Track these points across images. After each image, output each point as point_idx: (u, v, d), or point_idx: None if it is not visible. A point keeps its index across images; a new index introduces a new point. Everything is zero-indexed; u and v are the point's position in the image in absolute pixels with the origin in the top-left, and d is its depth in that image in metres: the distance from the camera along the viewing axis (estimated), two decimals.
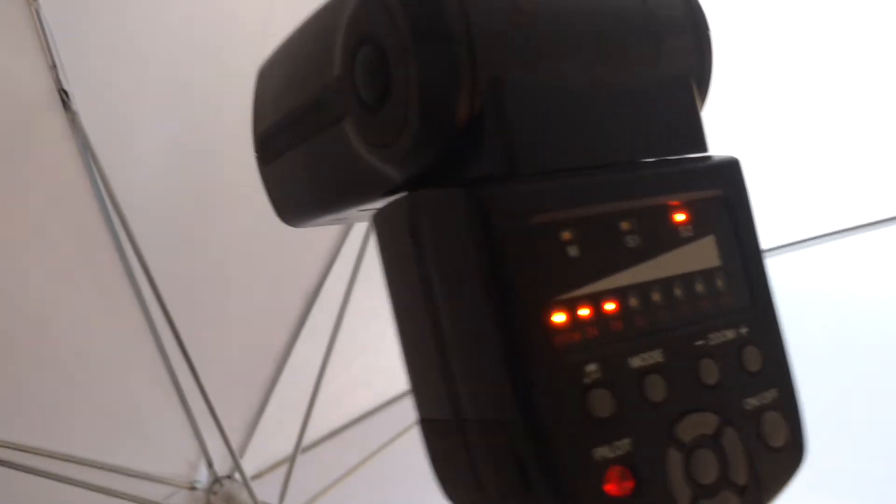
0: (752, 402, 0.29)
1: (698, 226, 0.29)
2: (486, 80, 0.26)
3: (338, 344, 1.52)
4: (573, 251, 0.27)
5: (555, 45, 0.28)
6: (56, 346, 1.31)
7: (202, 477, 1.54)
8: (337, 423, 1.62)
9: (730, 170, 0.31)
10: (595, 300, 0.27)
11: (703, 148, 0.31)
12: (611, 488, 0.26)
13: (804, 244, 1.72)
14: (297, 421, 1.55)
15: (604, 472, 0.26)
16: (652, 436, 0.27)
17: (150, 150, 1.26)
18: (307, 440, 1.54)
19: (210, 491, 1.53)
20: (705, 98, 0.31)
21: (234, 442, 1.52)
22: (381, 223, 0.29)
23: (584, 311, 0.27)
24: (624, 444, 0.26)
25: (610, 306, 0.27)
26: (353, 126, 0.29)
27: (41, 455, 1.34)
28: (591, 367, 0.26)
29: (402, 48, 0.26)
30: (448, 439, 0.28)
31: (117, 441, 1.45)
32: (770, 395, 0.29)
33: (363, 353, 1.57)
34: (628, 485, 0.26)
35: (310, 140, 0.32)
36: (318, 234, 1.50)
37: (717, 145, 0.31)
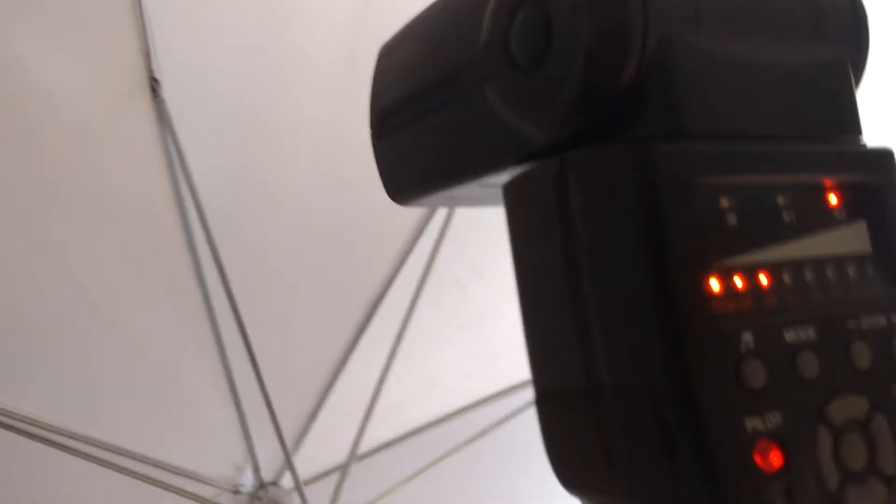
0: None
1: (851, 210, 0.29)
2: (656, 40, 0.26)
3: (395, 356, 1.50)
4: (731, 219, 0.26)
5: (721, 12, 0.28)
6: (118, 333, 1.31)
7: (247, 481, 1.52)
8: (388, 436, 1.59)
9: (885, 159, 0.30)
10: (750, 271, 0.26)
11: (859, 132, 0.30)
12: (761, 461, 0.25)
13: None
14: (347, 432, 1.53)
15: (754, 444, 0.25)
16: (803, 413, 0.26)
17: (231, 146, 1.26)
18: (359, 450, 1.51)
19: (255, 496, 1.51)
20: (860, 83, 0.31)
21: (285, 448, 1.50)
22: (518, 189, 0.29)
23: (739, 281, 0.26)
24: (775, 418, 0.25)
25: (764, 279, 0.27)
26: (499, 92, 0.29)
27: (91, 444, 1.33)
28: (747, 337, 0.25)
29: (570, 8, 0.26)
30: (576, 412, 0.27)
31: (167, 436, 1.44)
32: None
33: (419, 368, 1.55)
34: (777, 460, 0.25)
35: (441, 111, 0.32)
36: (383, 245, 1.49)
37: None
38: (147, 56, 1.10)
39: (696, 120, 0.26)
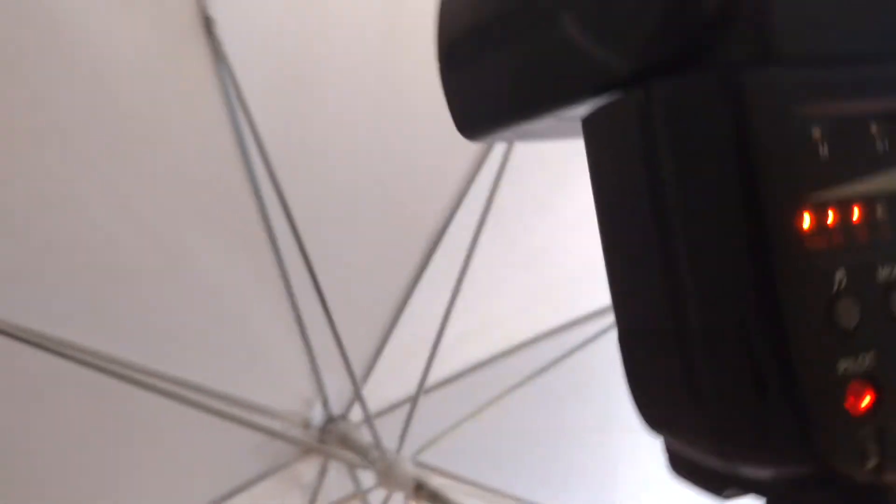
0: None
1: None
2: None
3: (459, 291, 1.50)
4: (824, 150, 0.25)
5: None
6: (189, 273, 1.34)
7: (317, 415, 1.56)
8: (452, 370, 1.61)
9: None
10: (843, 205, 0.26)
11: None
12: (852, 403, 0.25)
13: None
14: (412, 366, 1.55)
15: (846, 386, 0.24)
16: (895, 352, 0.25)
17: (292, 83, 1.25)
18: (425, 385, 1.53)
19: (324, 429, 1.55)
20: None
21: (350, 382, 1.53)
22: (599, 122, 0.28)
23: (832, 216, 0.25)
24: (869, 358, 0.25)
25: (857, 213, 0.26)
26: (577, 18, 0.28)
27: (166, 380, 1.37)
28: (840, 275, 0.25)
29: None
30: (663, 351, 0.26)
31: (238, 373, 1.48)
32: None
33: (483, 302, 1.56)
34: (870, 402, 0.25)
35: (515, 40, 0.31)
36: (443, 179, 1.48)
37: None
38: None
39: (786, 44, 0.25)
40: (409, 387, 1.55)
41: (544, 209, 1.48)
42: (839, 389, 0.24)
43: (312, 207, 1.38)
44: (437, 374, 1.59)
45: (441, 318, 1.51)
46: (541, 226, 1.51)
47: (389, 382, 1.58)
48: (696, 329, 0.25)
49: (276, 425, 1.50)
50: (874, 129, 0.26)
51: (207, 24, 1.12)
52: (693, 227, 0.25)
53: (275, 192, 1.25)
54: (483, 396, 1.60)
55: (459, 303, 1.51)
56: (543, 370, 1.61)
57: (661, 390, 0.27)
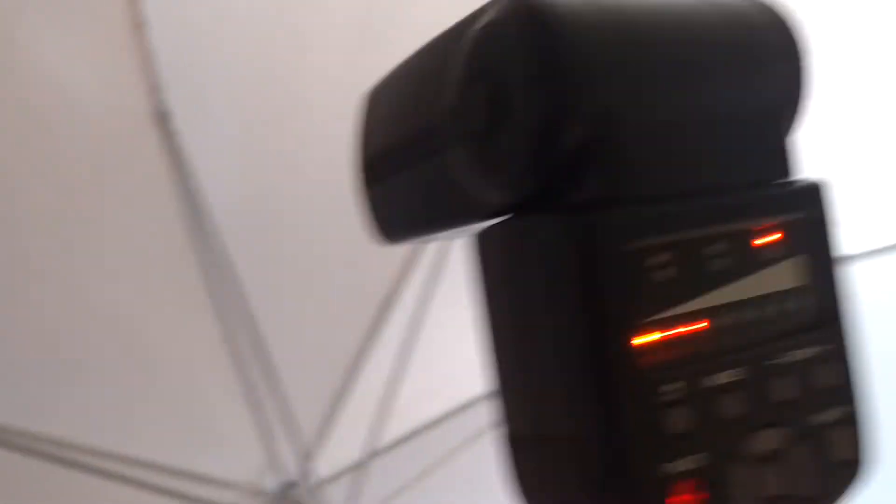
0: (823, 418, 0.30)
1: (785, 247, 0.31)
2: (594, 112, 0.28)
3: (410, 352, 1.51)
4: (662, 275, 0.28)
5: (658, 76, 0.29)
6: (135, 348, 1.32)
7: (270, 483, 1.54)
8: (406, 430, 1.61)
9: (814, 193, 0.31)
10: (681, 321, 0.28)
11: (792, 172, 0.32)
12: (682, 500, 0.27)
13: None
14: (365, 428, 1.55)
15: (675, 485, 0.27)
16: (724, 451, 0.28)
17: (242, 163, 1.24)
18: (377, 446, 1.53)
19: (280, 497, 1.53)
20: (800, 123, 0.32)
21: (303, 448, 1.52)
22: (483, 243, 0.30)
23: (668, 332, 0.28)
24: (697, 459, 0.27)
25: (695, 327, 0.29)
26: (461, 154, 0.30)
27: (111, 458, 1.35)
28: (671, 386, 0.27)
29: (518, 82, 0.28)
30: (531, 454, 0.29)
31: (188, 444, 1.46)
32: (840, 412, 0.31)
33: (434, 362, 1.57)
34: (701, 497, 0.27)
35: (418, 164, 0.33)
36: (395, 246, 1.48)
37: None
38: (155, 89, 1.06)
39: (631, 185, 0.28)
40: (362, 449, 1.55)
41: None
42: (673, 490, 0.27)
43: (261, 276, 1.38)
44: (393, 433, 1.60)
45: (392, 379, 1.51)
46: None
47: (344, 445, 1.58)
48: (549, 438, 0.28)
49: (228, 497, 1.49)
50: (712, 249, 0.29)
51: (162, 117, 1.09)
52: (546, 346, 0.28)
53: (222, 263, 1.25)
54: (440, 453, 1.61)
55: (413, 363, 1.52)
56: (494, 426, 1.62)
57: (537, 489, 0.29)
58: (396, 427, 1.59)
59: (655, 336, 0.27)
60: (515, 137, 0.28)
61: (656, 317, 0.28)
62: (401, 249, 1.49)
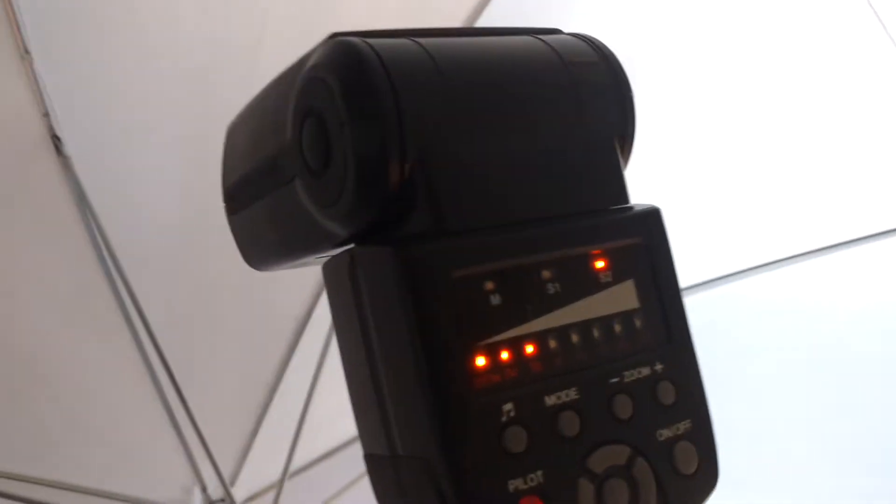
0: (666, 433, 0.31)
1: (618, 271, 0.31)
2: (414, 150, 0.29)
3: (326, 369, 1.55)
4: (494, 300, 0.29)
5: (478, 114, 0.30)
6: (53, 381, 1.35)
7: (196, 501, 1.57)
8: (326, 447, 1.65)
9: (649, 218, 0.33)
10: (514, 344, 0.29)
11: (625, 200, 0.33)
12: None
13: (788, 261, 1.76)
14: (287, 447, 1.58)
15: (521, 501, 0.28)
16: (564, 468, 0.29)
17: (140, 191, 1.30)
18: (298, 464, 1.57)
19: None
20: (630, 151, 0.34)
21: (228, 467, 1.56)
22: (328, 273, 0.32)
23: (504, 355, 0.29)
24: (537, 476, 0.28)
25: (529, 349, 0.29)
26: (301, 187, 0.32)
27: (38, 484, 1.37)
28: (508, 407, 0.28)
29: (338, 123, 0.29)
30: (386, 472, 0.30)
31: (114, 469, 1.48)
32: (683, 426, 0.31)
33: None
34: None
35: (269, 196, 0.34)
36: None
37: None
38: (46, 115, 1.13)
39: (456, 217, 0.29)
40: (286, 466, 1.58)
41: None
42: None
43: (174, 303, 1.42)
44: (315, 450, 1.63)
45: (312, 396, 1.55)
46: None
47: (268, 463, 1.60)
48: (402, 457, 0.29)
49: None
50: (545, 274, 0.30)
51: (55, 142, 1.16)
52: (389, 370, 0.29)
53: (127, 291, 1.29)
54: (360, 470, 1.63)
55: (329, 380, 1.56)
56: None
57: (393, 503, 0.31)
58: (316, 444, 1.63)
59: (489, 359, 0.28)
60: (340, 174, 0.29)
61: (489, 341, 0.28)
62: (315, 269, 1.54)
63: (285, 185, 0.33)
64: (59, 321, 1.30)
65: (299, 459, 1.57)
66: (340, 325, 0.31)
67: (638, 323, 0.32)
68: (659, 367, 0.31)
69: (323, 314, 1.55)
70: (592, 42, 0.34)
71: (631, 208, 0.33)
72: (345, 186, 0.29)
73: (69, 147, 1.16)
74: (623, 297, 0.32)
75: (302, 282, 1.54)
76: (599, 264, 0.31)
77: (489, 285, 0.29)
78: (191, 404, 1.45)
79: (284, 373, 1.57)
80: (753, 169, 1.68)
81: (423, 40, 0.31)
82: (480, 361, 0.28)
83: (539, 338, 0.30)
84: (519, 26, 0.34)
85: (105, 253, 1.25)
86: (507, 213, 0.30)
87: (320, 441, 1.62)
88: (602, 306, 0.31)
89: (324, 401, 1.56)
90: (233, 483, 1.58)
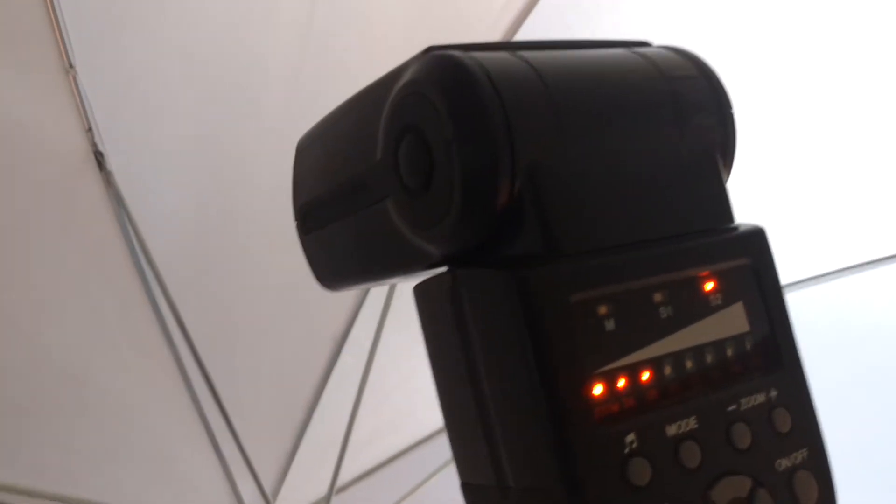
0: (784, 462, 0.30)
1: (727, 294, 0.31)
2: (524, 167, 0.27)
3: (367, 387, 1.54)
4: (609, 325, 0.28)
5: (585, 130, 0.29)
6: (93, 399, 1.34)
7: None
8: (367, 465, 1.63)
9: (755, 239, 0.32)
10: (631, 371, 0.28)
11: (730, 219, 0.32)
12: None
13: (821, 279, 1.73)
14: (328, 465, 1.57)
15: None
16: (688, 502, 0.28)
17: (183, 208, 1.29)
18: (339, 482, 1.55)
19: None
20: (731, 169, 0.33)
21: (267, 486, 1.54)
22: (423, 295, 0.30)
23: (621, 383, 0.28)
24: None
25: (646, 376, 0.28)
26: (395, 207, 0.30)
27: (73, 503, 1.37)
28: (630, 437, 0.27)
29: (444, 140, 0.28)
30: (494, 503, 0.29)
31: (153, 488, 1.48)
32: (800, 455, 0.30)
33: (392, 396, 1.59)
34: None
35: (353, 216, 0.33)
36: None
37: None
38: (89, 130, 1.13)
39: (568, 238, 0.28)
40: (325, 485, 1.57)
41: None
42: None
43: (215, 322, 1.41)
44: (353, 471, 1.62)
45: (352, 415, 1.54)
46: None
47: (307, 482, 1.59)
48: (513, 489, 0.28)
49: None
50: (657, 297, 0.29)
51: (98, 158, 1.16)
52: (500, 399, 0.28)
53: (169, 310, 1.28)
54: (403, 486, 1.62)
55: (370, 398, 1.54)
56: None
57: None
58: (357, 463, 1.61)
59: (606, 388, 0.27)
60: (444, 194, 0.28)
61: (606, 368, 0.27)
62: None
63: (374, 206, 0.32)
64: (100, 338, 1.30)
65: (340, 479, 1.55)
66: (436, 348, 0.30)
67: (749, 347, 0.31)
68: (773, 393, 0.30)
69: (360, 334, 1.54)
70: (689, 55, 0.33)
71: (736, 228, 0.32)
72: (449, 207, 0.28)
73: (112, 163, 1.16)
74: (733, 320, 0.31)
75: (340, 302, 1.54)
76: (709, 286, 0.30)
77: (603, 310, 0.28)
78: (229, 422, 1.44)
79: (322, 392, 1.56)
80: (793, 183, 1.66)
81: (522, 53, 0.29)
82: (598, 390, 0.27)
83: (655, 364, 0.28)
84: (606, 39, 0.33)
85: (147, 270, 1.25)
86: (618, 234, 0.29)
87: (360, 461, 1.60)
88: (714, 330, 0.30)
89: (364, 419, 1.55)
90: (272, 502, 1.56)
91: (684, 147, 0.31)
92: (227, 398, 1.43)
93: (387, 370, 1.55)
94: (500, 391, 0.28)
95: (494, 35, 1.35)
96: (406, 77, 0.29)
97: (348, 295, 1.53)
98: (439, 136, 0.28)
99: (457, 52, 0.28)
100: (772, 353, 0.31)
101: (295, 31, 1.25)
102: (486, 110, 0.27)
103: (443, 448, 1.65)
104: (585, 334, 0.27)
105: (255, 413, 1.51)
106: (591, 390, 0.27)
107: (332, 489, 1.51)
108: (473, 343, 0.28)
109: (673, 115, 0.31)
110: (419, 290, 0.30)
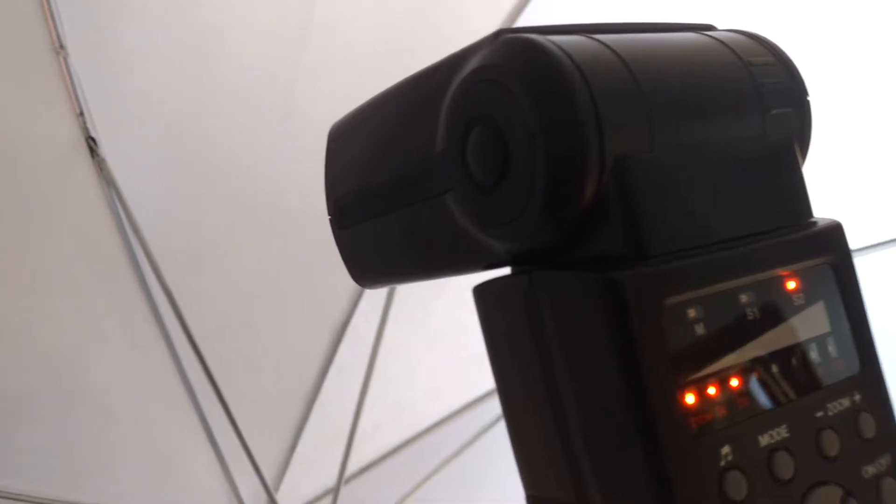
0: (871, 469, 0.29)
1: (809, 293, 0.29)
2: (612, 161, 0.26)
3: (366, 380, 1.52)
4: (699, 329, 0.26)
5: (675, 121, 0.27)
6: (88, 394, 1.31)
7: None
8: (368, 458, 1.61)
9: (834, 234, 0.30)
10: (722, 378, 0.27)
11: (809, 213, 0.31)
12: None
13: None
14: (327, 458, 1.54)
15: None
16: None
17: (179, 196, 1.27)
18: (340, 476, 1.53)
19: None
20: (805, 157, 0.31)
21: (267, 479, 1.52)
22: (488, 298, 0.28)
23: (712, 390, 0.26)
24: None
25: (734, 383, 0.27)
26: (459, 202, 0.28)
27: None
28: (725, 449, 0.26)
29: (526, 134, 0.26)
30: None
31: (151, 485, 1.45)
32: (885, 462, 0.29)
33: (391, 388, 1.57)
34: None
35: (403, 210, 0.31)
36: (343, 273, 1.50)
37: None
38: (81, 115, 1.10)
39: (656, 238, 0.26)
40: (325, 480, 1.55)
41: (443, 294, 1.51)
42: None
43: (210, 314, 1.38)
44: (356, 462, 1.59)
45: (352, 408, 1.51)
46: (442, 309, 1.54)
47: (306, 476, 1.57)
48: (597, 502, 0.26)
49: None
50: (743, 299, 0.27)
51: (90, 143, 1.12)
52: (585, 409, 0.26)
53: (166, 299, 1.25)
54: (404, 479, 1.60)
55: (372, 390, 1.52)
56: (465, 447, 1.62)
57: None
58: (358, 456, 1.59)
59: (698, 396, 0.26)
60: (522, 190, 0.26)
61: (701, 373, 0.26)
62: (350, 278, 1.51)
63: (429, 200, 0.29)
64: (94, 330, 1.27)
65: (340, 473, 1.53)
66: (505, 354, 0.28)
67: (832, 349, 0.29)
68: (857, 396, 0.29)
69: (359, 323, 1.52)
70: (764, 41, 0.31)
71: (815, 223, 0.30)
72: (527, 205, 0.26)
73: (104, 148, 1.13)
74: (815, 320, 0.29)
75: (338, 292, 1.51)
76: (792, 285, 0.29)
77: (692, 313, 0.26)
78: (228, 415, 1.41)
79: (322, 383, 1.53)
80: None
81: (601, 37, 0.27)
82: (691, 399, 0.26)
83: (744, 369, 0.27)
84: (672, 21, 0.31)
85: (141, 258, 1.21)
86: (706, 232, 0.28)
87: (361, 454, 1.58)
88: (797, 332, 0.29)
89: (365, 412, 1.52)
90: (269, 498, 1.53)
91: (766, 137, 0.30)
92: (223, 392, 1.40)
93: (386, 362, 1.53)
94: (585, 401, 0.26)
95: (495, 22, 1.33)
96: (475, 62, 0.27)
97: (346, 286, 1.50)
98: (519, 128, 0.26)
99: (536, 36, 0.26)
100: (852, 354, 0.30)
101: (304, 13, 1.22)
102: (577, 101, 0.25)
103: (444, 440, 1.63)
104: (677, 340, 0.26)
105: (253, 407, 1.48)
106: (685, 399, 0.25)
107: (340, 481, 1.48)
108: (552, 349, 0.26)
109: (755, 106, 0.29)
110: (483, 292, 0.28)
